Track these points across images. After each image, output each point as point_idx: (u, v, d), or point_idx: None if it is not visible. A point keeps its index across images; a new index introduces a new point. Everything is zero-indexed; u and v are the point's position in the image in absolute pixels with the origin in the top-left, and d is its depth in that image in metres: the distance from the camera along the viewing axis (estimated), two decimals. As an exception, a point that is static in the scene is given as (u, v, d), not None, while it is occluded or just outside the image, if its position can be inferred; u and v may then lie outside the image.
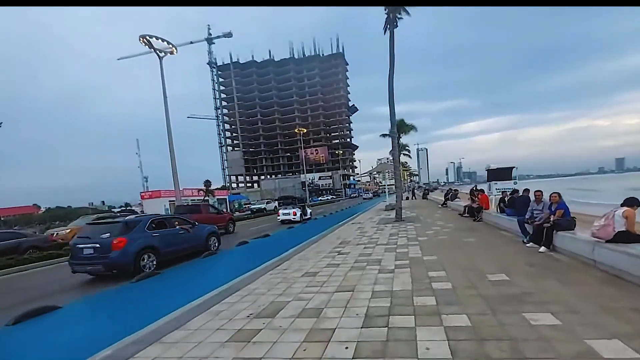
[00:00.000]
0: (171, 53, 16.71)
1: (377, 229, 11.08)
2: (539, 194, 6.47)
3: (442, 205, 18.68)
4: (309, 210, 21.07)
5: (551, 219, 5.69)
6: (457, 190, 17.83)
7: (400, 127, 35.89)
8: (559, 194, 5.90)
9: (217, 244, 10.16)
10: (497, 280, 4.27)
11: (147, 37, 15.50)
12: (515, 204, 8.04)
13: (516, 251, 5.93)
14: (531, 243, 6.07)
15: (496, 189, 18.69)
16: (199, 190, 33.45)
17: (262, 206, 35.46)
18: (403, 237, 8.84)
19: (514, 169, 19.47)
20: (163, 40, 16.02)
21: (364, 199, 55.18)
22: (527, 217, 6.59)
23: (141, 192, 31.06)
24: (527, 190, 8.02)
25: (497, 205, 9.52)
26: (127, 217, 8.74)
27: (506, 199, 9.37)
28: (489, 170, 20.37)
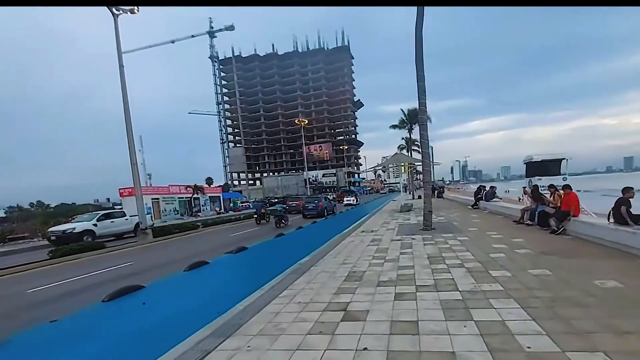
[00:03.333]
0: (131, 12, 13.12)
1: (402, 245, 7.36)
2: None
3: (472, 206, 14.86)
4: (359, 198, 36.37)
5: None
6: (494, 188, 13.95)
7: (412, 117, 32.00)
8: None
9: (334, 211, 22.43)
10: None
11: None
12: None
13: None
14: None
15: (541, 186, 14.90)
16: (187, 187, 29.94)
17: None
18: (456, 266, 5.11)
19: (563, 161, 15.62)
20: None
21: (381, 193, 72.16)
22: None
23: (120, 189, 27.63)
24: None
25: (611, 212, 5.67)
26: (320, 195, 31.02)
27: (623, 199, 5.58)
28: (529, 164, 16.45)
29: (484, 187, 14.83)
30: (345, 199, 33.13)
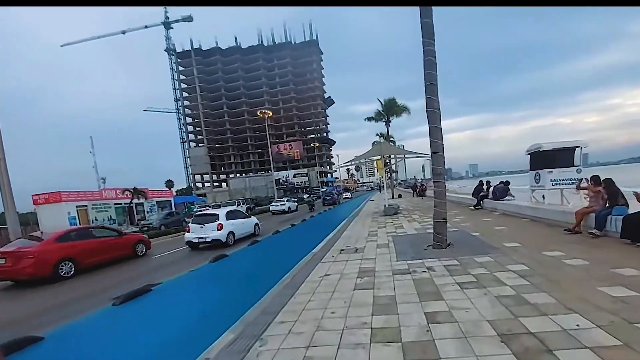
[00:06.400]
0: None
1: (417, 287, 3.95)
2: None
3: (475, 207, 12.02)
4: (352, 194, 52.82)
5: None
6: (508, 183, 11.13)
7: (389, 109, 29.28)
8: None
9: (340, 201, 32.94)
10: None
11: None
12: None
13: None
14: None
15: (551, 180, 12.36)
16: (125, 190, 24.75)
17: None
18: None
19: (577, 149, 13.12)
20: None
21: (366, 190, 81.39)
22: None
23: (33, 195, 21.82)
24: None
25: None
26: (334, 190, 36.13)
27: None
28: (534, 154, 13.90)
29: (489, 182, 12.03)
30: (344, 194, 47.70)
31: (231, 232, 10.70)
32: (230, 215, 11.12)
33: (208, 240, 10.22)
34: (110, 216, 24.11)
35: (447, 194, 22.17)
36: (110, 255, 9.28)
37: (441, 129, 6.07)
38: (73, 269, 8.09)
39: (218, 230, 10.33)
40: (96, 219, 22.91)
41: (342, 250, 6.87)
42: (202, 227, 10.50)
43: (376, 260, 5.62)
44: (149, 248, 10.93)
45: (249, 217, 12.74)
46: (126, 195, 24.40)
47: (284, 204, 25.23)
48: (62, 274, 7.85)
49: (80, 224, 22.10)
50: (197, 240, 10.36)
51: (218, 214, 10.82)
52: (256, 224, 12.67)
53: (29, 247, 7.81)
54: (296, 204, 27.33)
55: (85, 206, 22.36)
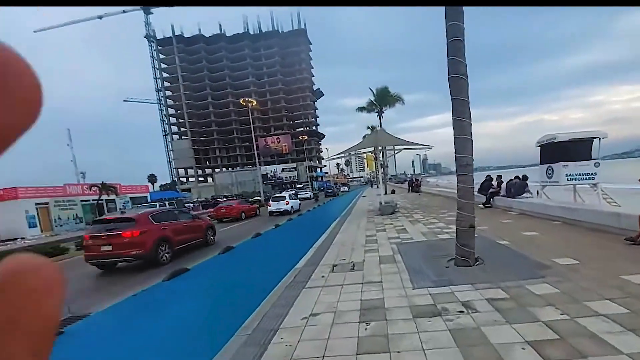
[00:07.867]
0: None
1: None
2: None
3: (484, 204, 10.57)
4: (350, 188, 66.15)
5: None
6: (525, 178, 9.62)
7: (382, 98, 27.71)
8: None
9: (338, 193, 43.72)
10: None
11: None
12: None
13: None
14: None
15: (566, 175, 11.09)
16: (92, 186, 22.36)
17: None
18: None
19: (595, 140, 11.73)
20: None
21: (358, 185, 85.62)
22: None
23: (-16, 192, 19.34)
24: None
25: None
26: (334, 184, 55.03)
27: None
28: (545, 146, 12.51)
29: (500, 176, 10.60)
30: (342, 188, 54.73)
31: (292, 206, 17.77)
32: (290, 197, 18.46)
33: (281, 210, 17.21)
34: (76, 214, 21.75)
35: (446, 189, 20.35)
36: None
37: (469, 103, 4.48)
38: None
39: (286, 205, 17.46)
40: (59, 218, 20.59)
41: (334, 265, 5.25)
42: (277, 203, 17.67)
43: (383, 286, 4.02)
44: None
45: (297, 198, 20.30)
46: (94, 191, 22.00)
47: (307, 193, 35.85)
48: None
49: (40, 223, 19.83)
50: (275, 210, 17.34)
51: (285, 196, 18.30)
52: (300, 203, 20.18)
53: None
54: (313, 193, 36.67)
55: (47, 203, 19.98)
